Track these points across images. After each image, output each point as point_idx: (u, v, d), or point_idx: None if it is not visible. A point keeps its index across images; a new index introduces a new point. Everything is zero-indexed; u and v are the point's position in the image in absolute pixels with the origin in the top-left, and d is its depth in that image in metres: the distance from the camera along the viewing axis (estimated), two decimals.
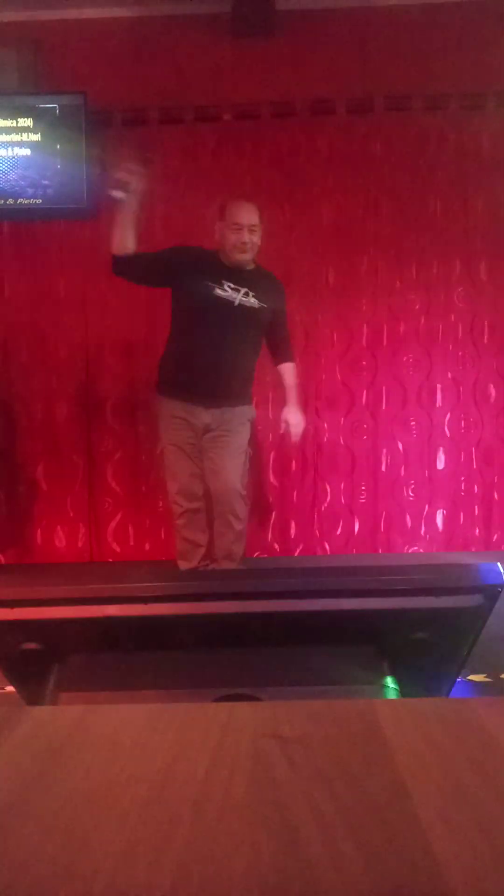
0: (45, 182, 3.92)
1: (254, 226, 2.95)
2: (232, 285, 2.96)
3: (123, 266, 2.92)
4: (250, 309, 2.99)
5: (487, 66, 3.94)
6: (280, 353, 3.20)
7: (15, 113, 3.90)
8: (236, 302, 2.96)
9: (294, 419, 3.14)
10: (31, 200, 3.93)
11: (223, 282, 2.95)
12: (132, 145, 3.17)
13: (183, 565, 3.12)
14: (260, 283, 3.04)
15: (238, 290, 2.96)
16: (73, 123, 3.88)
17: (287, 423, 3.14)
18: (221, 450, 3.02)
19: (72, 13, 3.97)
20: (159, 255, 3.04)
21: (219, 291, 2.95)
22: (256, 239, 2.98)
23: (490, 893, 0.35)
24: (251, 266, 3.04)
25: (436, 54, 3.95)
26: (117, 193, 2.73)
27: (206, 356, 2.97)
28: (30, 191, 3.93)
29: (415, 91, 3.95)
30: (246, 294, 2.97)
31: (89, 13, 3.98)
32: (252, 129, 3.99)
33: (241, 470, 3.05)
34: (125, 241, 2.85)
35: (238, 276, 2.98)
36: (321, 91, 3.97)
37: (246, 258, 2.98)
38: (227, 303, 2.95)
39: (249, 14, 3.81)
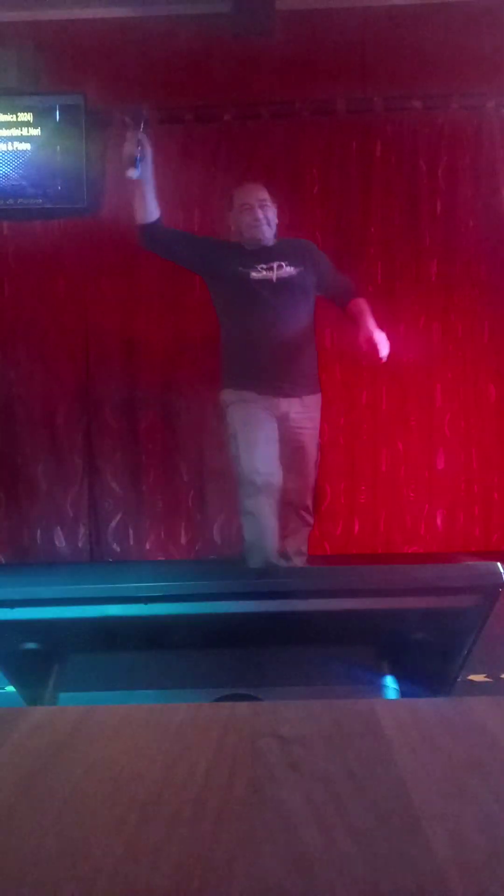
0: (45, 182, 3.92)
1: (263, 200, 2.90)
2: (264, 266, 2.88)
3: (151, 235, 2.84)
4: (290, 279, 2.89)
5: (487, 66, 3.94)
6: (344, 296, 3.04)
7: (15, 113, 3.90)
8: (274, 278, 2.87)
9: (378, 336, 2.85)
10: (31, 200, 3.93)
11: (255, 264, 2.88)
12: (127, 115, 3.10)
13: (253, 563, 2.78)
14: (289, 251, 2.95)
15: (272, 267, 2.88)
16: (73, 123, 3.88)
17: (369, 341, 2.84)
18: (302, 445, 2.92)
19: (72, 13, 3.97)
20: (192, 236, 3.03)
21: (255, 275, 2.87)
22: (271, 214, 2.91)
23: (490, 893, 0.35)
24: (273, 242, 2.95)
25: (436, 54, 3.95)
26: (131, 172, 2.65)
27: (266, 342, 2.85)
28: (30, 190, 3.93)
29: (415, 91, 3.95)
30: (279, 266, 2.89)
31: (89, 13, 3.98)
32: (252, 130, 3.99)
33: (316, 465, 3.01)
34: (147, 208, 2.78)
35: (265, 254, 2.90)
36: (321, 91, 3.97)
37: (266, 235, 2.90)
38: (266, 282, 2.87)
39: (249, 14, 3.81)
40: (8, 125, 3.91)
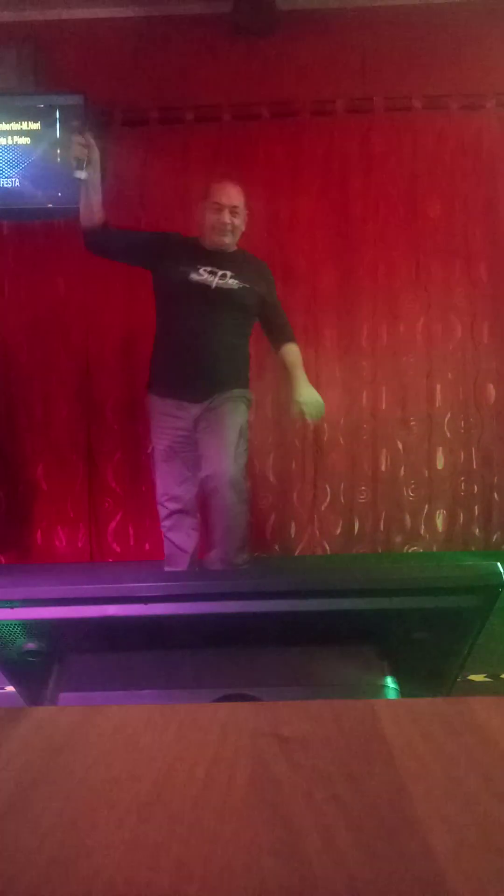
0: (45, 182, 3.92)
1: (235, 207, 2.84)
2: (209, 269, 2.82)
3: (95, 238, 2.83)
4: (229, 291, 2.83)
5: (487, 66, 3.94)
6: (277, 337, 3.00)
7: (15, 113, 3.90)
8: (213, 285, 2.81)
9: (310, 395, 2.85)
10: (31, 200, 3.93)
11: (199, 266, 2.82)
12: (80, 122, 3.14)
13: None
14: (241, 265, 2.89)
15: (215, 273, 2.82)
16: (73, 124, 3.88)
17: (300, 403, 2.85)
18: (212, 432, 2.83)
19: (72, 13, 3.98)
20: (139, 233, 2.98)
21: (194, 276, 2.81)
22: (238, 222, 2.87)
23: (490, 893, 0.35)
24: (232, 249, 2.91)
25: (436, 54, 3.95)
26: (79, 174, 2.70)
27: (187, 346, 2.83)
28: (30, 191, 3.93)
29: (415, 91, 3.95)
30: (223, 276, 2.82)
31: (89, 13, 3.98)
32: (252, 129, 3.99)
33: (234, 453, 2.80)
34: (92, 212, 2.78)
35: (217, 258, 2.85)
36: (321, 91, 3.97)
37: (225, 241, 2.86)
38: (204, 287, 2.81)
39: (250, 14, 3.81)
40: (8, 125, 3.91)
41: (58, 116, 3.89)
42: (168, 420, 2.90)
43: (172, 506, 2.91)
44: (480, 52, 3.95)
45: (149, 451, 3.01)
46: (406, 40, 3.97)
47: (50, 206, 3.93)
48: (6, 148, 3.92)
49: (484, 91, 3.95)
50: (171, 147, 4.00)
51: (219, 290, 2.82)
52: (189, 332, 2.83)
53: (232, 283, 2.84)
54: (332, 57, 3.98)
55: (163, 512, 2.95)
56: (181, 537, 2.93)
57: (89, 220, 2.80)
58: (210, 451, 2.82)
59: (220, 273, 2.83)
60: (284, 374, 3.01)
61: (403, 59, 3.97)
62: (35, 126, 3.91)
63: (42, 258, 4.02)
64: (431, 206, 4.00)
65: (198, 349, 2.83)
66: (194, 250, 2.88)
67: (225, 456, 2.77)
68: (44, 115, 3.90)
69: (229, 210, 2.83)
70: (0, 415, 4.07)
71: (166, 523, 2.94)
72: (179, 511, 2.91)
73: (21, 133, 3.92)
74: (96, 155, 2.72)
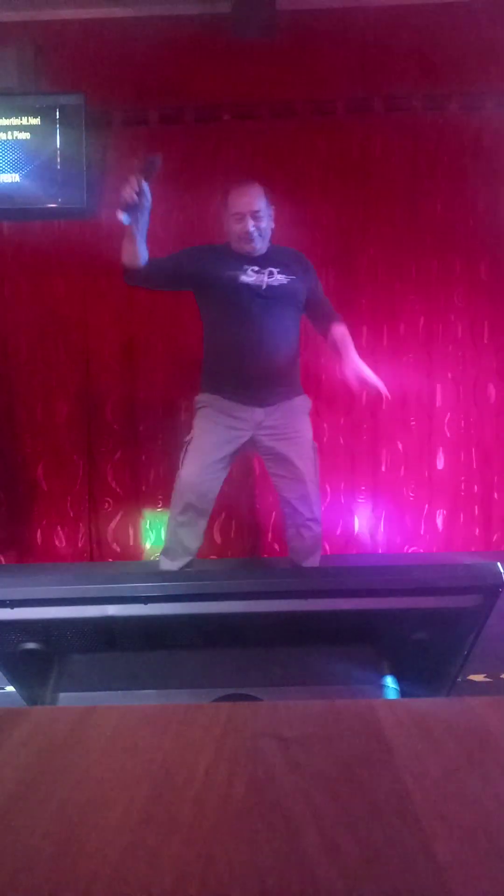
0: (45, 182, 3.92)
1: (257, 212, 2.78)
2: (255, 269, 2.79)
3: (136, 277, 2.78)
4: (281, 288, 2.80)
5: (487, 66, 3.94)
6: (326, 320, 2.96)
7: (15, 113, 3.90)
8: (264, 285, 2.78)
9: (370, 377, 2.82)
10: (31, 200, 3.93)
11: (245, 267, 2.79)
12: (134, 155, 3.00)
13: (165, 565, 2.86)
14: (282, 259, 2.85)
15: (262, 273, 2.79)
16: (73, 123, 3.88)
17: (361, 380, 2.81)
18: (293, 453, 2.82)
19: (72, 13, 3.98)
20: (172, 257, 2.88)
21: (244, 278, 2.77)
22: (264, 224, 2.82)
23: (490, 894, 0.35)
24: (264, 250, 2.86)
25: (436, 54, 3.95)
26: (122, 217, 2.57)
27: (249, 349, 2.77)
28: (30, 191, 3.93)
29: (415, 91, 3.95)
30: (271, 274, 2.80)
31: (89, 13, 3.98)
32: (252, 129, 3.99)
33: (315, 469, 2.86)
34: (135, 254, 2.70)
35: (259, 259, 2.82)
36: (321, 91, 3.97)
37: (256, 247, 2.81)
38: (256, 288, 2.78)
39: (249, 14, 3.81)
40: (8, 125, 3.91)
41: (58, 116, 3.89)
42: (224, 418, 2.82)
43: (192, 499, 2.78)
44: (480, 52, 3.94)
45: (185, 439, 2.88)
46: (406, 40, 3.96)
47: (50, 206, 3.93)
48: (6, 148, 3.92)
49: (484, 91, 3.95)
50: (171, 147, 3.99)
51: (270, 288, 2.79)
52: (248, 334, 2.77)
53: (281, 278, 2.81)
54: (332, 57, 3.98)
55: (178, 503, 2.81)
56: (191, 537, 2.83)
57: (132, 261, 2.72)
58: (293, 474, 2.84)
59: (268, 271, 2.80)
60: (336, 354, 2.95)
61: (403, 59, 3.96)
62: (35, 126, 3.91)
63: (42, 258, 4.02)
64: (431, 205, 3.99)
65: (259, 352, 2.77)
66: (232, 255, 2.84)
67: (311, 479, 2.84)
68: (44, 116, 3.90)
69: (251, 216, 2.78)
70: (0, 415, 4.07)
71: (181, 518, 2.80)
72: (197, 508, 2.80)
73: (21, 133, 3.92)
74: (148, 203, 2.59)
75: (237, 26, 3.88)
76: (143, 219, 2.64)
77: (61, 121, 3.89)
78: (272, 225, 2.89)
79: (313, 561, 2.89)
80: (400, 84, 3.95)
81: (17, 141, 3.92)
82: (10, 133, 3.92)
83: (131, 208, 2.56)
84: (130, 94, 3.97)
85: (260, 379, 2.79)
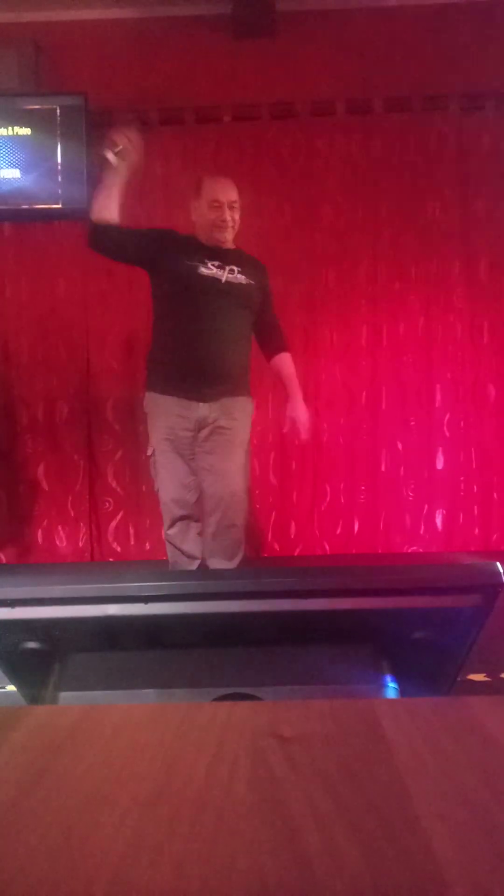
0: (46, 182, 3.92)
1: (233, 202, 2.77)
2: (216, 263, 2.75)
3: (101, 235, 2.69)
4: (239, 286, 2.76)
5: (487, 66, 3.94)
6: (271, 343, 2.93)
7: (15, 113, 3.91)
8: (223, 279, 2.73)
9: (300, 415, 2.86)
10: (32, 200, 3.93)
11: (206, 260, 2.75)
12: (128, 120, 3.04)
13: None
14: (244, 261, 2.82)
15: (223, 268, 2.74)
16: (73, 124, 3.89)
17: (293, 420, 2.86)
18: (222, 448, 2.76)
19: (72, 13, 3.98)
20: (139, 230, 2.83)
21: (203, 270, 2.73)
22: (237, 216, 2.80)
23: (490, 894, 0.35)
24: (231, 245, 2.83)
25: (436, 54, 3.95)
26: (110, 155, 2.57)
27: (198, 341, 2.72)
28: (30, 191, 3.93)
29: (415, 91, 3.95)
30: (232, 271, 2.76)
31: (89, 13, 3.98)
32: (252, 130, 3.99)
33: (244, 470, 2.81)
34: (108, 208, 2.65)
35: (222, 254, 2.77)
36: (321, 91, 3.97)
37: (227, 237, 2.79)
38: (214, 281, 2.72)
39: (249, 14, 3.81)
40: (8, 125, 3.91)
41: (58, 117, 3.89)
42: (172, 419, 2.78)
43: (178, 511, 2.81)
44: (480, 52, 3.95)
45: (148, 454, 2.88)
46: (406, 40, 3.97)
47: (50, 206, 3.93)
48: (7, 148, 3.92)
49: (484, 91, 3.95)
50: (171, 147, 4.00)
51: (229, 284, 2.75)
52: (199, 326, 2.72)
53: (241, 277, 2.77)
54: (332, 57, 3.98)
55: (168, 518, 2.84)
56: (189, 545, 2.84)
57: (103, 212, 2.65)
58: (218, 469, 2.76)
59: (229, 268, 2.76)
60: (279, 384, 2.95)
61: (403, 59, 3.97)
62: (36, 126, 3.91)
63: (42, 258, 4.02)
64: (431, 205, 4.00)
65: (208, 345, 2.73)
66: (197, 246, 2.80)
67: (234, 473, 2.75)
68: (44, 116, 3.90)
69: (228, 205, 2.76)
70: (0, 415, 4.07)
71: (172, 531, 2.83)
72: (185, 517, 2.81)
73: (22, 133, 3.92)
74: (136, 153, 2.61)
75: (237, 27, 3.88)
76: (125, 172, 2.63)
77: (62, 121, 3.89)
78: (239, 220, 2.86)
79: (233, 563, 2.82)
80: (400, 84, 3.95)
81: (17, 141, 3.92)
82: (10, 133, 3.92)
83: (119, 151, 2.56)
84: (130, 94, 3.97)
85: (206, 373, 2.74)
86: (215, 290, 2.73)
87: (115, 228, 2.70)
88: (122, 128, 2.61)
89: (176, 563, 2.87)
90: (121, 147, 2.57)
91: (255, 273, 2.85)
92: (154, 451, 2.86)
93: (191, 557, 2.84)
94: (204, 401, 2.75)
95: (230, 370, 2.78)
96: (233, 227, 2.79)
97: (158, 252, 2.80)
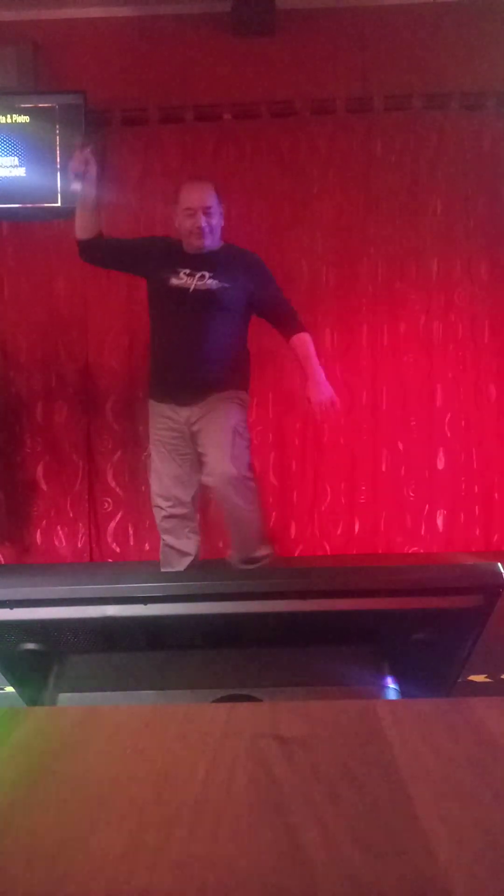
0: (45, 182, 3.92)
1: (208, 208, 2.79)
2: (188, 271, 2.80)
3: (88, 249, 2.88)
4: (208, 292, 2.79)
5: (487, 66, 3.94)
6: (283, 325, 2.92)
7: (14, 112, 3.90)
8: (191, 288, 2.79)
9: (318, 393, 2.80)
10: (31, 200, 3.93)
11: (179, 269, 2.81)
12: (83, 138, 3.23)
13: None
14: (224, 263, 2.84)
15: (193, 276, 2.80)
16: (72, 123, 3.88)
17: (310, 400, 2.83)
18: (206, 434, 2.81)
19: (72, 13, 3.97)
20: (127, 240, 3.03)
21: (174, 281, 2.81)
22: (215, 221, 2.82)
23: (490, 894, 0.35)
24: (215, 248, 2.86)
25: (436, 54, 3.95)
26: (75, 186, 2.79)
27: (174, 351, 2.84)
28: (30, 190, 3.93)
29: (415, 91, 3.95)
30: (202, 278, 2.79)
31: (89, 13, 3.98)
32: (252, 129, 3.99)
33: (233, 451, 2.77)
34: (87, 225, 2.83)
35: (198, 260, 2.82)
36: (321, 91, 3.97)
37: (205, 243, 2.82)
38: (182, 291, 2.80)
39: (249, 14, 3.81)
40: (7, 124, 3.91)
41: (57, 116, 3.89)
42: (162, 421, 2.92)
43: (168, 507, 2.89)
44: (480, 52, 3.94)
45: (144, 455, 3.03)
46: (406, 40, 3.96)
47: (50, 205, 3.93)
48: (6, 147, 3.92)
49: (484, 91, 3.95)
50: (171, 147, 4.00)
51: (196, 292, 2.80)
52: (173, 336, 2.85)
53: (211, 283, 2.80)
54: (332, 57, 3.98)
55: (158, 514, 2.93)
56: (180, 541, 2.89)
57: (83, 232, 2.84)
58: (207, 454, 2.81)
59: (199, 275, 2.80)
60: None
61: (403, 59, 3.96)
62: (35, 125, 3.91)
63: (42, 258, 4.02)
64: (431, 205, 3.99)
65: (183, 353, 2.82)
66: (177, 254, 2.86)
67: (222, 456, 2.75)
68: (43, 115, 3.90)
69: (202, 211, 2.79)
70: (0, 415, 4.07)
71: (164, 525, 2.91)
72: (176, 514, 2.89)
73: (21, 132, 3.91)
74: (94, 170, 2.74)
75: (237, 25, 3.88)
76: (92, 188, 2.78)
77: (61, 120, 3.88)
78: (222, 222, 2.89)
79: (244, 552, 2.85)
80: (400, 84, 3.95)
81: (16, 140, 3.92)
82: (9, 132, 3.91)
83: (81, 176, 2.74)
84: (130, 94, 3.97)
85: (184, 381, 2.84)
86: (182, 300, 2.81)
87: (99, 242, 2.88)
88: (77, 153, 2.75)
89: (166, 557, 2.92)
90: (80, 172, 2.74)
91: (236, 272, 2.85)
92: (150, 452, 3.01)
93: (182, 554, 2.88)
94: (186, 404, 2.85)
95: (208, 375, 2.83)
96: (210, 231, 2.82)
97: (142, 262, 2.93)
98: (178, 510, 2.88)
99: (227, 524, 2.90)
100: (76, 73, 3.97)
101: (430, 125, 3.98)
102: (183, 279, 2.81)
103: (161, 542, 2.96)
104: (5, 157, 3.93)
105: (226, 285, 2.81)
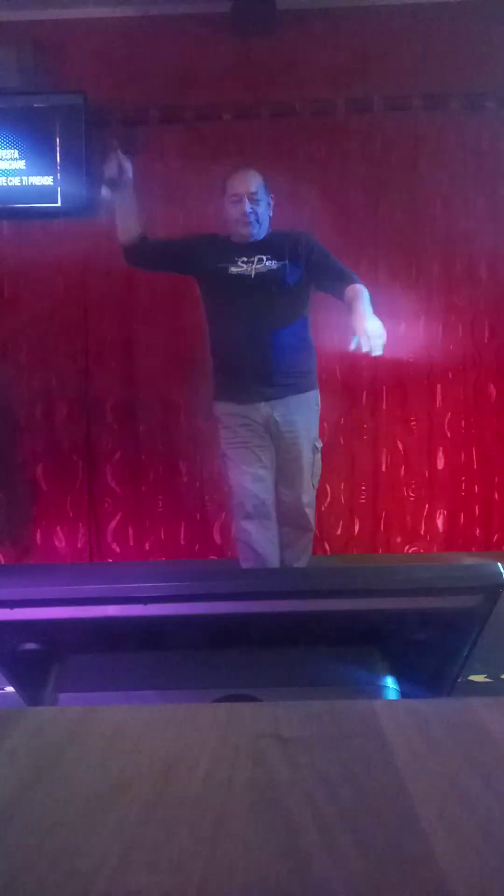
0: (45, 182, 3.92)
1: (254, 193, 2.73)
2: (245, 259, 2.73)
3: (133, 253, 2.79)
4: (270, 273, 2.72)
5: (487, 66, 3.94)
6: (339, 285, 2.75)
7: (14, 112, 3.90)
8: (252, 274, 2.72)
9: (364, 328, 2.49)
10: (31, 200, 3.93)
11: (235, 258, 2.74)
12: (117, 140, 3.13)
13: None
14: (276, 243, 2.77)
15: (251, 262, 2.74)
16: (72, 123, 3.88)
17: (358, 332, 2.51)
18: (292, 454, 2.75)
19: (72, 13, 3.97)
20: (173, 239, 2.93)
21: (233, 269, 2.73)
22: (262, 209, 2.76)
23: (490, 894, 0.35)
24: (261, 236, 2.79)
25: (436, 54, 3.95)
26: (105, 192, 2.71)
27: (246, 344, 2.71)
28: (29, 191, 3.93)
29: (415, 91, 3.95)
30: (259, 261, 2.73)
31: (89, 13, 3.98)
32: (252, 129, 3.99)
33: (314, 471, 2.79)
34: (128, 228, 2.74)
35: (251, 248, 2.75)
36: (321, 91, 3.97)
37: (251, 231, 2.75)
38: (244, 278, 2.72)
39: (249, 14, 3.81)
40: (7, 124, 3.91)
41: (58, 116, 3.89)
42: (239, 420, 2.75)
43: (253, 506, 2.72)
44: (480, 52, 3.94)
45: (222, 451, 2.84)
46: (406, 40, 3.96)
47: (50, 205, 3.93)
48: (6, 147, 3.92)
49: (484, 91, 3.95)
50: (171, 147, 4.00)
51: (259, 276, 2.72)
52: (243, 328, 2.71)
53: (270, 264, 2.73)
54: (332, 57, 3.98)
55: (241, 513, 2.75)
56: (266, 545, 2.74)
57: (126, 236, 2.75)
58: (288, 475, 2.76)
59: (255, 259, 2.73)
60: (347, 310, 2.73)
61: (403, 58, 3.96)
62: (35, 126, 3.91)
63: (42, 258, 4.02)
64: (431, 205, 3.99)
65: (257, 344, 2.71)
66: (227, 245, 2.79)
67: (306, 483, 2.77)
68: (44, 115, 3.90)
69: (248, 198, 2.72)
70: (0, 415, 4.07)
71: (249, 527, 2.73)
72: (260, 514, 2.73)
73: (21, 132, 3.91)
74: (129, 176, 2.65)
75: (237, 25, 3.88)
76: (129, 194, 2.71)
77: (61, 120, 3.88)
78: (270, 213, 2.84)
79: (301, 563, 2.84)
80: (400, 84, 3.95)
81: (16, 140, 3.92)
82: (9, 132, 3.91)
83: (114, 184, 2.66)
84: (130, 94, 3.97)
85: (259, 373, 2.72)
86: (246, 287, 2.72)
87: (143, 245, 2.78)
88: (111, 156, 2.67)
89: (246, 559, 2.77)
90: (115, 179, 2.67)
91: (289, 250, 2.77)
92: (225, 453, 2.83)
93: (261, 556, 2.73)
94: (266, 400, 2.74)
95: (285, 363, 2.74)
96: (257, 220, 2.75)
97: (192, 259, 2.83)
98: (262, 510, 2.74)
99: (290, 536, 2.82)
100: (76, 73, 3.96)
101: (430, 125, 3.97)
102: (242, 266, 2.73)
103: (245, 550, 2.77)
104: (5, 157, 3.93)
105: (285, 262, 2.75)
